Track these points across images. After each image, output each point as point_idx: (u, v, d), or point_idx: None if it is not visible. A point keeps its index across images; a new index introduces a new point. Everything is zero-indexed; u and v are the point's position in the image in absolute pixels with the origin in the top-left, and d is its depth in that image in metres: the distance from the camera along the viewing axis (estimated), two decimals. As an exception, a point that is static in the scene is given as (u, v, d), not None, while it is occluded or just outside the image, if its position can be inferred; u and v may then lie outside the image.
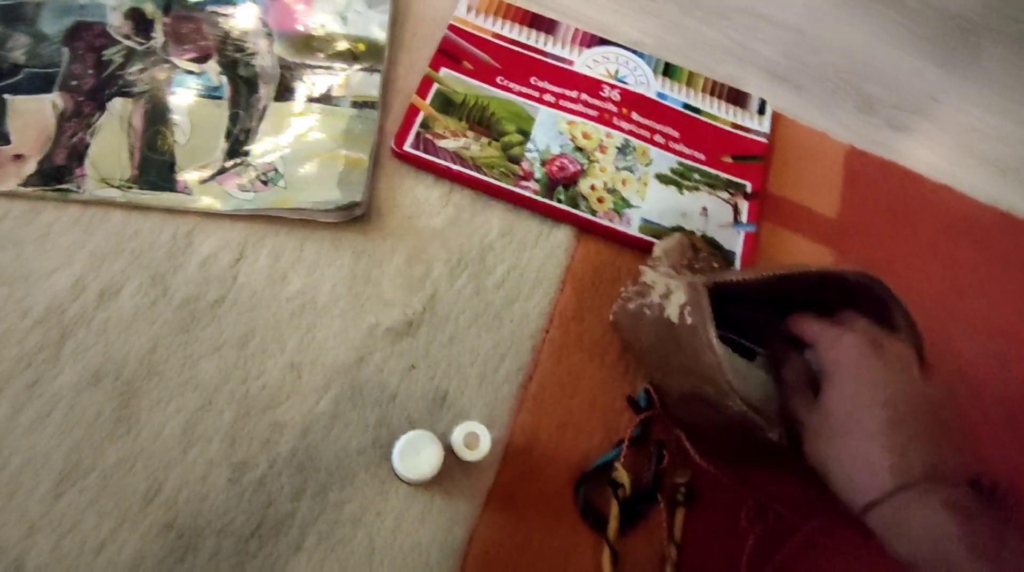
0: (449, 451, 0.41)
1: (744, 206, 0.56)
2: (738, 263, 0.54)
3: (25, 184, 0.46)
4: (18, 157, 0.46)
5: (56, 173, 0.46)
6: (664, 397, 0.47)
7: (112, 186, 0.47)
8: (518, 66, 0.57)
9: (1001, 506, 0.33)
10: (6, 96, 0.48)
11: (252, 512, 0.41)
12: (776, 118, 0.62)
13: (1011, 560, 0.30)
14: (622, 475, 0.44)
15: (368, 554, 0.41)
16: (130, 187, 0.47)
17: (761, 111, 0.61)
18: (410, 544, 0.42)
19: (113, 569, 0.38)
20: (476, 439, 0.39)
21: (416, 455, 0.37)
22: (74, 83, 0.49)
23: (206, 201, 0.47)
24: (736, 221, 0.55)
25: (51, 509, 0.39)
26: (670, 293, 0.44)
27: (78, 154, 0.47)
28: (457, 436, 0.39)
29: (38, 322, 0.43)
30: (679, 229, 0.53)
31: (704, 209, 0.55)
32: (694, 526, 0.45)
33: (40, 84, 0.49)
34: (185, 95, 0.51)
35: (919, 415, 0.35)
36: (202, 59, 0.52)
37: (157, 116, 0.50)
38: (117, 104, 0.49)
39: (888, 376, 0.36)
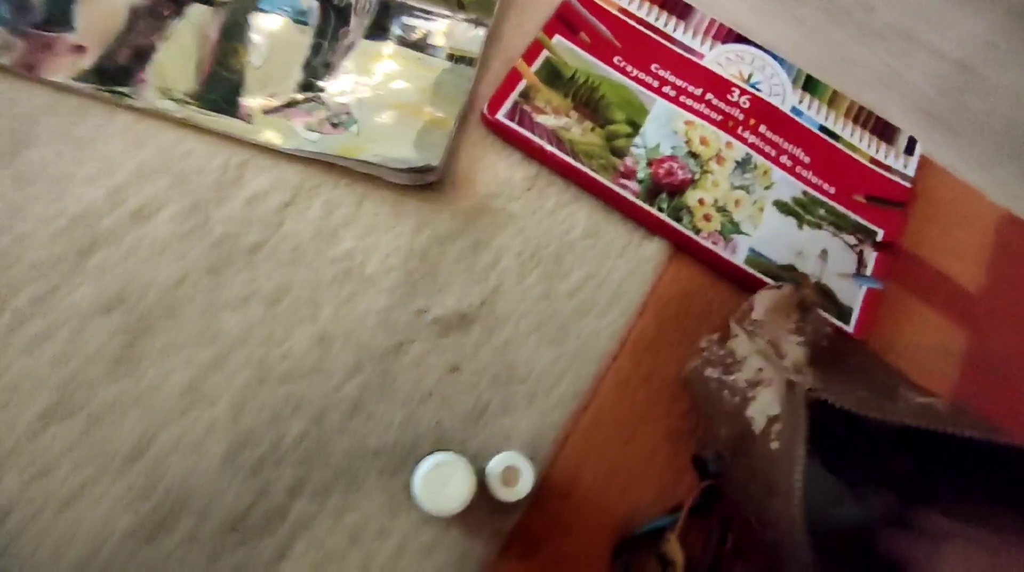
0: (480, 483, 0.35)
1: (871, 257, 0.47)
2: (853, 322, 0.45)
3: (79, 79, 0.41)
4: (79, 48, 0.42)
5: (115, 73, 0.42)
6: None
7: (171, 99, 0.42)
8: (641, 48, 0.50)
9: None
10: (81, -20, 0.44)
11: (241, 498, 0.35)
12: (924, 163, 0.53)
13: None
14: (675, 550, 0.37)
15: (362, 574, 0.35)
16: (189, 103, 0.42)
17: (909, 151, 0.52)
18: (412, 573, 0.36)
19: (71, 531, 0.33)
20: (516, 475, 0.32)
21: (443, 485, 0.30)
22: (155, -21, 0.44)
23: (267, 134, 0.42)
24: (859, 273, 0.47)
25: (28, 444, 0.34)
26: (759, 384, 0.36)
27: (143, 56, 0.42)
28: (495, 467, 0.32)
29: (63, 231, 0.38)
30: (791, 269, 0.45)
31: (824, 251, 0.47)
32: (746, 626, 0.38)
33: (120, -26, 0.44)
34: (270, 14, 0.45)
35: None
36: (296, -22, 0.47)
37: (235, 31, 0.45)
38: (196, 10, 0.44)
39: None
